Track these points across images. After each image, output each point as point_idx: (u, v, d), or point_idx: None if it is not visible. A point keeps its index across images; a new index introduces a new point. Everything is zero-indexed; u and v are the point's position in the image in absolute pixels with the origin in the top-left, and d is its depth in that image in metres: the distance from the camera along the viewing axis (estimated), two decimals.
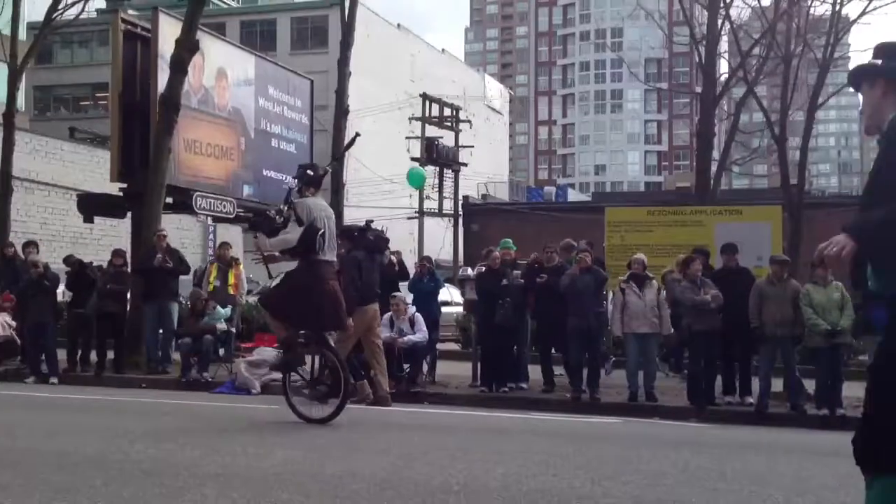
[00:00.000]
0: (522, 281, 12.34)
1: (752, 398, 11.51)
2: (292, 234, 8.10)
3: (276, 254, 8.37)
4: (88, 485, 5.36)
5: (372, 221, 12.20)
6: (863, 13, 24.76)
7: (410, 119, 39.74)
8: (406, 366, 12.25)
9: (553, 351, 12.89)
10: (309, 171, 8.64)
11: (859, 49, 37.74)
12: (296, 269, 8.46)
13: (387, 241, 12.02)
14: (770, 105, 28.60)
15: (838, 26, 24.55)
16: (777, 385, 11.38)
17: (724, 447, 8.37)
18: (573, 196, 60.33)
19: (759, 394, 11.22)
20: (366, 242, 11.24)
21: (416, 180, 31.77)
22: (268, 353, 12.96)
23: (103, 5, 43.80)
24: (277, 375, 10.80)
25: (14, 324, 14.32)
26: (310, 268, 8.26)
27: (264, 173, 20.84)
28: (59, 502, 4.89)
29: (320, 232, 8.13)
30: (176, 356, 13.96)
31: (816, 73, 24.91)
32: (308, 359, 8.79)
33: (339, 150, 21.73)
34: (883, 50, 3.75)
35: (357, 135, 11.15)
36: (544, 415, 11.02)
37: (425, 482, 5.73)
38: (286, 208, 8.27)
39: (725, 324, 11.29)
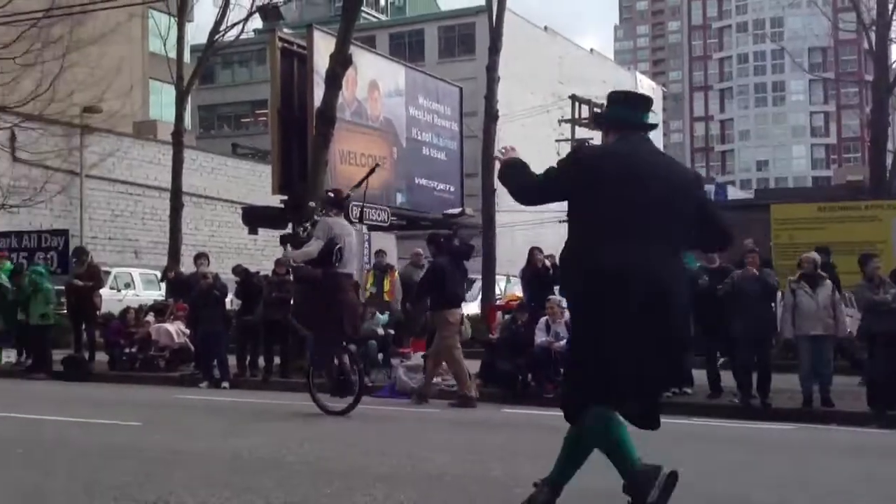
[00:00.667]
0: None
1: None
2: (314, 247, 9.14)
3: (301, 263, 9.44)
4: (262, 485, 5.56)
5: (458, 228, 12.55)
6: None
7: (560, 121, 39.49)
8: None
9: (718, 355, 12.43)
10: (331, 194, 9.73)
11: None
12: (316, 281, 9.39)
13: (471, 247, 12.33)
14: None
15: None
16: None
17: None
18: (733, 194, 58.33)
19: None
20: (450, 249, 11.76)
21: None
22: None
23: (260, 26, 45.66)
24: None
25: (188, 331, 15.09)
26: (329, 279, 9.23)
27: (416, 181, 21.22)
28: (236, 499, 5.09)
29: (338, 247, 9.12)
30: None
31: None
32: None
33: (488, 156, 21.84)
34: (608, 98, 4.55)
35: (377, 165, 11.81)
36: (712, 421, 10.67)
37: (590, 487, 5.62)
38: (310, 226, 9.50)
39: None
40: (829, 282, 11.34)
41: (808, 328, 11.13)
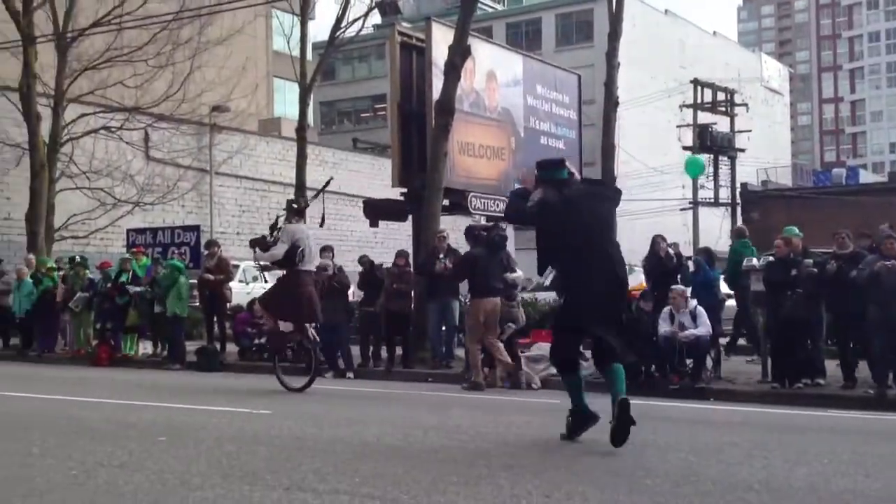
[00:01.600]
0: (815, 270, 11.54)
1: None
2: (279, 250, 10.94)
3: (269, 264, 11.49)
4: (392, 471, 5.66)
5: (495, 223, 13.42)
6: None
7: (681, 107, 38.64)
8: (689, 361, 11.87)
9: (852, 345, 11.94)
10: (294, 205, 11.76)
11: None
12: (283, 277, 11.43)
13: (505, 238, 12.97)
14: None
15: None
16: None
17: None
18: (866, 177, 55.76)
19: None
20: (487, 241, 12.55)
21: (693, 169, 30.75)
22: (546, 348, 13.06)
23: (379, 21, 46.34)
24: (556, 370, 11.25)
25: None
26: (292, 276, 11.11)
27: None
28: (367, 487, 5.19)
29: (300, 249, 10.95)
30: (459, 352, 14.41)
31: None
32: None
33: (609, 143, 21.54)
34: (537, 166, 7.26)
35: (331, 178, 14.20)
36: (845, 412, 10.31)
37: (722, 479, 5.56)
38: (276, 232, 11.26)
39: None
40: None
41: None
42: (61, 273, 17.74)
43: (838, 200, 31.89)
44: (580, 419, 6.95)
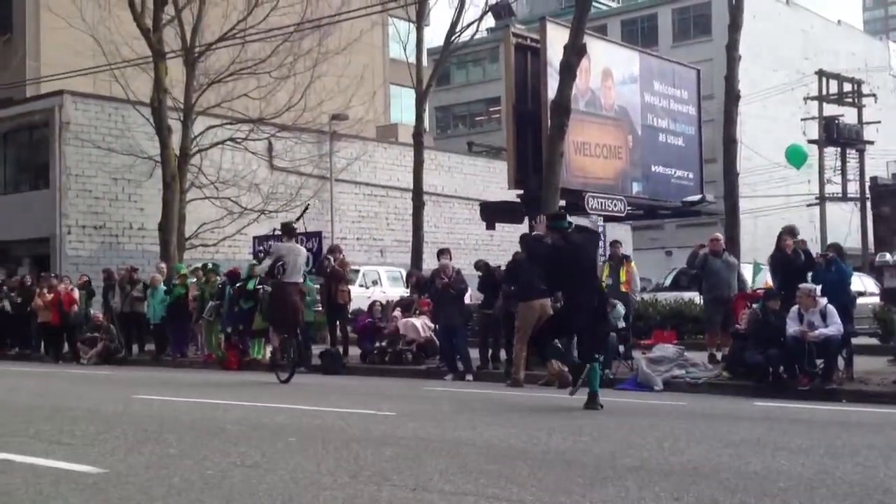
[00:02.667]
0: None
1: None
2: (264, 265, 13.32)
3: (262, 275, 13.82)
4: (517, 473, 5.68)
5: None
6: None
7: (806, 99, 37.33)
8: (819, 361, 11.44)
9: None
10: (282, 227, 14.21)
11: None
12: (272, 289, 13.34)
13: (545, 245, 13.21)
14: None
15: None
16: None
17: None
18: None
19: None
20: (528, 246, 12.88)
21: (796, 158, 29.57)
22: (669, 349, 12.86)
23: (493, 24, 46.47)
24: (679, 372, 12.26)
25: (433, 326, 15.64)
26: (278, 287, 13.06)
27: (653, 169, 20.76)
28: (493, 488, 5.22)
29: (279, 263, 12.84)
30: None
31: None
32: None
33: (729, 137, 21.02)
34: (547, 217, 10.31)
35: (307, 206, 17.62)
36: None
37: (860, 482, 5.36)
38: (267, 248, 14.52)
39: None
40: None
41: None
42: (192, 281, 18.41)
43: None
44: (577, 368, 9.50)
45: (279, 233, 14.42)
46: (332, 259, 16.44)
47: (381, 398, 10.98)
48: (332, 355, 15.91)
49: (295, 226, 14.24)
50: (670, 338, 13.97)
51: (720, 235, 15.45)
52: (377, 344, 16.06)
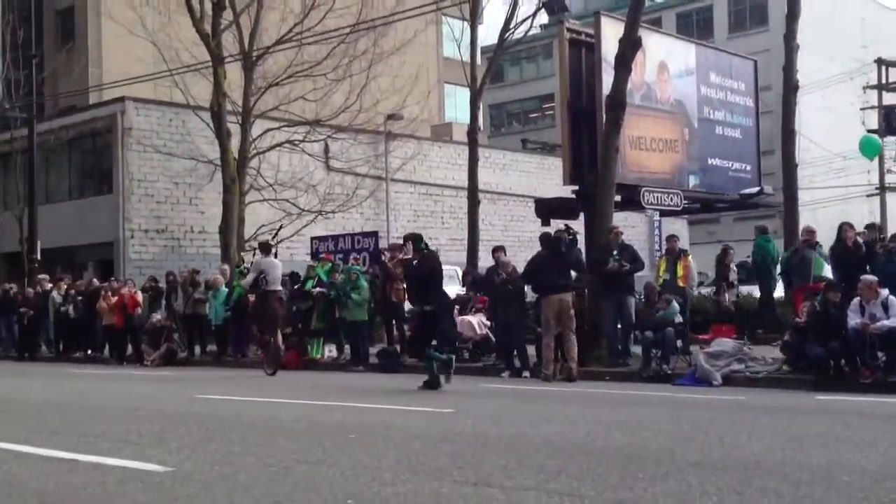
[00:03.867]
0: None
1: None
2: (249, 278, 15.49)
3: (247, 287, 16.04)
4: (576, 468, 5.70)
5: (566, 227, 14.84)
6: None
7: (865, 88, 36.53)
8: (881, 354, 11.24)
9: None
10: (261, 244, 16.47)
11: None
12: (256, 297, 15.68)
13: (567, 242, 14.27)
14: None
15: None
16: None
17: None
18: None
19: None
20: (549, 243, 13.78)
21: (870, 149, 28.92)
22: (727, 344, 12.75)
23: (546, 21, 46.33)
24: (738, 366, 12.27)
25: (489, 323, 15.68)
26: (261, 296, 15.29)
27: (710, 162, 20.48)
28: (553, 483, 5.26)
29: (262, 276, 14.92)
30: (636, 349, 14.25)
31: None
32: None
33: (788, 128, 20.68)
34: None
35: (281, 226, 20.61)
36: None
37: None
38: (251, 265, 16.70)
39: None
40: None
41: None
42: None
43: None
44: (444, 364, 11.82)
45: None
46: (387, 257, 16.59)
47: (439, 396, 11.06)
48: (389, 354, 16.04)
49: (272, 244, 16.43)
50: (729, 332, 13.82)
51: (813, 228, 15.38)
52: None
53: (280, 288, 15.84)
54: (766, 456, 6.13)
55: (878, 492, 4.88)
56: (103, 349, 21.00)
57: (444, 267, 29.58)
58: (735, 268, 17.05)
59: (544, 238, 14.00)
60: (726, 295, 16.99)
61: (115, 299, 20.08)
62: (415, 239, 12.52)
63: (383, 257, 16.71)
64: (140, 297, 20.27)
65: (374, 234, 19.51)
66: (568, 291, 13.39)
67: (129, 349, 20.28)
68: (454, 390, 11.51)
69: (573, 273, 13.88)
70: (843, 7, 48.99)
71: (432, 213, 32.75)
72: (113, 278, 22.08)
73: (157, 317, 19.83)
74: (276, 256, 16.29)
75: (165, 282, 20.71)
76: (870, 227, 14.29)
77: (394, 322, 16.85)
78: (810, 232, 14.86)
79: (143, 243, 26.66)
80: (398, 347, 16.45)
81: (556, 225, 20.94)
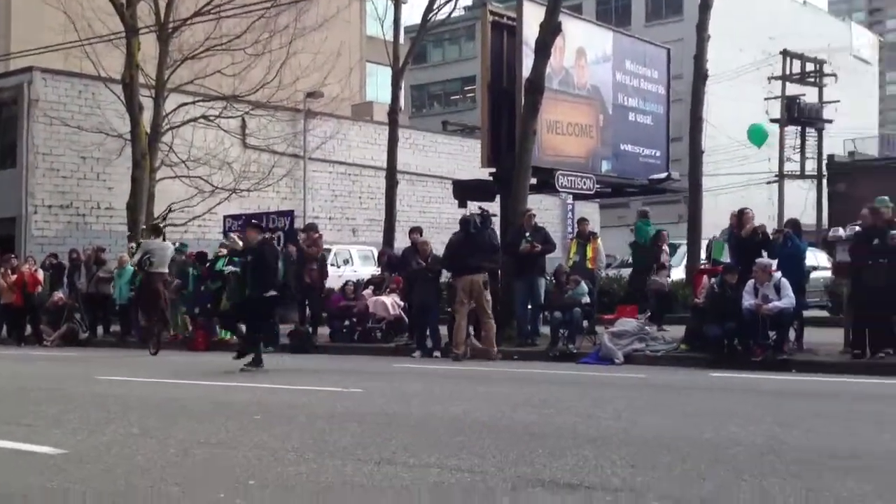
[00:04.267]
0: None
1: None
2: (135, 259, 16.33)
3: (136, 266, 16.59)
4: (480, 445, 5.86)
5: (484, 210, 14.72)
6: None
7: (770, 79, 37.64)
8: (772, 333, 11.76)
9: None
10: (152, 226, 17.77)
11: None
12: (142, 278, 16.18)
13: (480, 222, 14.13)
14: None
15: None
16: None
17: None
18: None
19: None
20: (462, 225, 14.08)
21: (757, 137, 29.84)
22: (630, 324, 13.16)
23: (470, 2, 46.37)
24: (639, 345, 12.81)
25: (402, 304, 15.78)
26: (146, 277, 15.91)
27: (622, 147, 20.91)
28: (455, 460, 5.40)
29: (147, 257, 15.73)
30: (544, 329, 14.54)
31: None
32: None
33: (696, 116, 21.16)
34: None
35: (170, 209, 22.19)
36: None
37: (807, 447, 5.61)
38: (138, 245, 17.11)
39: None
40: None
41: None
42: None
43: None
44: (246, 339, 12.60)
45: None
46: (303, 238, 16.52)
47: (349, 376, 11.14)
48: (300, 335, 16.00)
49: (161, 226, 17.29)
50: (632, 313, 14.23)
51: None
52: (346, 322, 16.18)
53: (165, 270, 16.47)
54: (661, 431, 6.40)
55: (761, 465, 5.15)
56: (1, 329, 20.22)
57: (360, 246, 29.62)
58: (667, 249, 17.46)
59: (463, 221, 14.26)
60: (658, 277, 17.39)
61: (13, 277, 19.43)
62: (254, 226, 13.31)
63: (299, 238, 16.62)
64: (41, 274, 19.64)
65: (290, 214, 19.30)
66: (481, 272, 13.60)
67: (29, 329, 19.61)
68: (365, 371, 11.58)
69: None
70: (755, 0, 50.31)
71: (350, 193, 32.60)
72: (13, 255, 21.28)
73: (59, 295, 19.31)
74: (164, 239, 17.02)
75: (68, 259, 20.16)
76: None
77: (307, 303, 16.78)
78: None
79: (47, 219, 25.86)
80: (310, 329, 16.42)
81: (473, 207, 21.33)
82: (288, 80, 24.96)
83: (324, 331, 16.73)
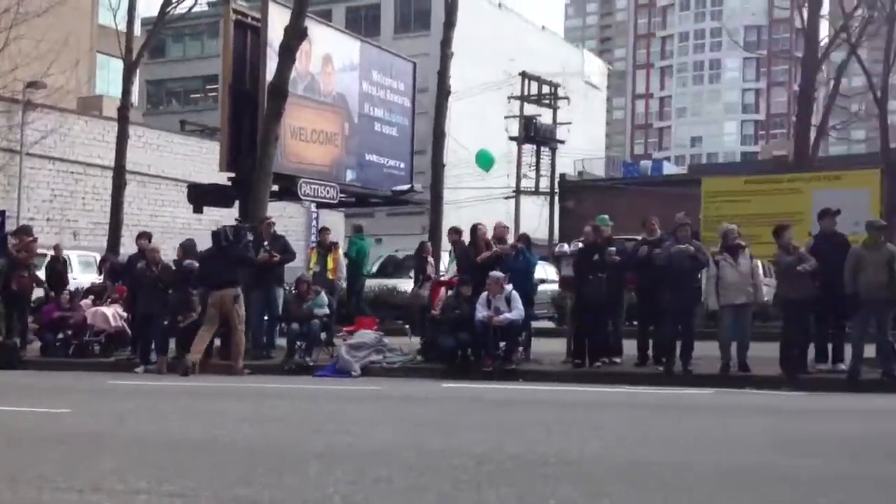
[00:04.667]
0: (617, 258, 12.10)
1: (844, 365, 11.18)
2: None
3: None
4: (197, 466, 5.54)
5: (240, 222, 14.49)
6: None
7: (509, 98, 39.50)
8: (502, 344, 12.21)
9: (650, 326, 12.59)
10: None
11: None
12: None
13: (217, 235, 13.48)
14: (871, 69, 27.73)
15: None
16: (870, 351, 10.89)
17: (815, 414, 8.27)
18: (669, 169, 58.92)
19: (851, 360, 10.86)
20: (215, 240, 13.43)
21: (484, 162, 31.38)
22: (368, 336, 13.16)
23: None
24: (377, 357, 12.74)
25: (125, 315, 14.82)
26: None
27: (367, 157, 21.04)
28: (168, 484, 5.03)
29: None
30: (281, 341, 14.22)
31: None
32: None
33: (439, 131, 21.73)
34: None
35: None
36: (637, 388, 10.95)
37: (522, 455, 5.76)
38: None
39: (820, 290, 11.02)
40: (748, 251, 11.61)
41: (731, 298, 11.39)
42: None
43: (644, 191, 33.64)
44: None
45: None
46: (14, 243, 15.12)
47: (59, 394, 10.31)
48: (6, 348, 14.56)
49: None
50: (371, 324, 14.26)
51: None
52: (60, 335, 14.91)
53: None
54: (389, 443, 6.37)
55: (479, 474, 5.19)
56: None
57: (80, 253, 27.64)
58: (432, 261, 17.62)
59: (213, 234, 13.63)
60: (423, 289, 17.47)
61: None
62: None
63: (10, 243, 15.14)
64: None
65: (1, 214, 17.68)
66: (231, 287, 12.93)
67: None
68: (78, 389, 10.76)
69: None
70: (498, 21, 52.65)
71: (72, 194, 30.40)
72: None
73: None
74: None
75: None
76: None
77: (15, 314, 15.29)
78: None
79: None
80: (17, 341, 14.99)
81: (211, 212, 20.60)
82: (6, 67, 22.93)
83: (37, 344, 15.37)
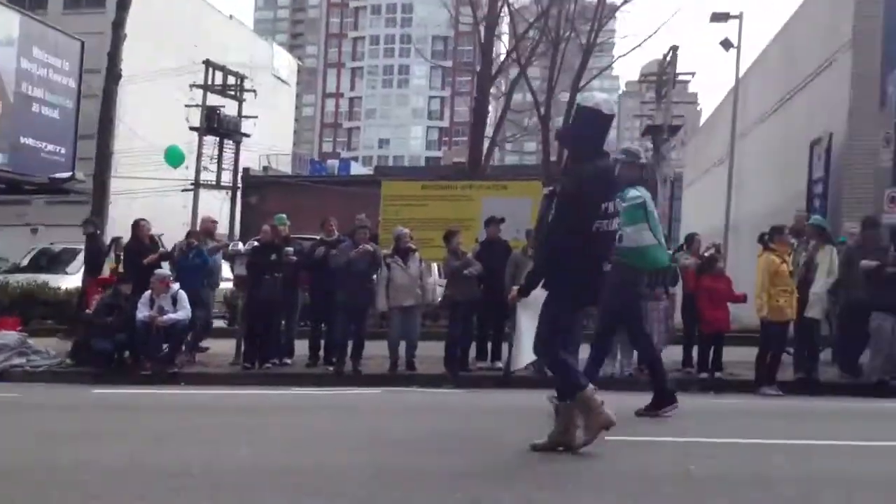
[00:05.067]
0: (294, 258, 12.16)
1: (501, 363, 11.87)
2: None
3: None
4: None
5: None
6: (626, 1, 26.85)
7: (192, 86, 38.23)
8: (166, 345, 11.80)
9: (323, 326, 12.77)
10: None
11: (622, 35, 40.27)
12: None
13: None
14: (541, 86, 30.22)
15: (603, 13, 26.26)
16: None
17: (470, 411, 8.63)
18: (356, 169, 60.18)
19: (507, 358, 11.48)
20: None
21: (174, 159, 30.42)
22: (10, 337, 12.20)
23: None
24: (19, 360, 11.89)
25: None
26: None
27: (22, 140, 19.51)
28: None
29: None
30: None
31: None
32: None
33: (107, 116, 20.56)
34: None
35: None
36: (307, 389, 10.90)
37: (165, 466, 5.47)
38: None
39: (483, 293, 11.71)
40: (418, 254, 12.14)
41: (400, 300, 11.84)
42: None
43: (331, 190, 34.17)
44: None
45: None
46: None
47: None
48: None
49: None
50: (13, 325, 13.16)
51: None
52: None
53: None
54: (17, 458, 5.80)
55: (112, 489, 4.87)
56: None
57: None
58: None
59: None
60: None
61: None
62: None
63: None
64: None
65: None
66: None
67: None
68: None
69: None
70: (181, 5, 50.60)
71: None
72: None
73: None
74: None
75: None
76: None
77: None
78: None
79: None
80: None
81: None
82: None
83: None
